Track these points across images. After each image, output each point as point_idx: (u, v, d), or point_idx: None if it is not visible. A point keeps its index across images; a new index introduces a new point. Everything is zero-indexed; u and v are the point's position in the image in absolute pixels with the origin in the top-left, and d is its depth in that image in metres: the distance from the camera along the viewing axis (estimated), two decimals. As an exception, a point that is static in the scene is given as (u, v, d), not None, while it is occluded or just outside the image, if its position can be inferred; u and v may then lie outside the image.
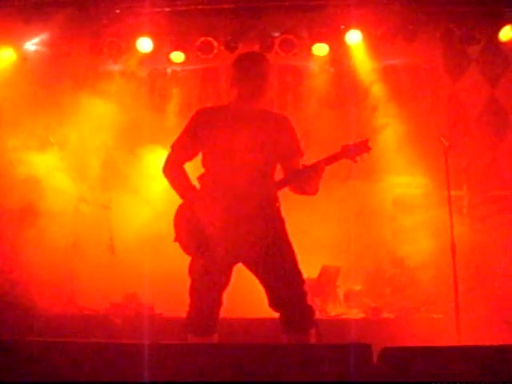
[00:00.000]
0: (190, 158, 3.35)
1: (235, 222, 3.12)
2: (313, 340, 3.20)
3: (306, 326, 3.18)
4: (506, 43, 6.36)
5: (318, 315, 5.23)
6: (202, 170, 3.35)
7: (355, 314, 5.37)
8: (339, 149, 3.12)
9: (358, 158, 3.11)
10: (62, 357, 2.64)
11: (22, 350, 2.67)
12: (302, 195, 3.28)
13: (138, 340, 2.94)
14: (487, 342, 3.79)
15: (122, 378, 2.57)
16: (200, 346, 2.95)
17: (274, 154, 3.25)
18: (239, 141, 3.19)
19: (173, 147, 3.33)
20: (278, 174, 3.39)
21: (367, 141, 3.11)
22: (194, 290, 3.23)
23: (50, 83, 6.51)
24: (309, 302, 3.25)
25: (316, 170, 3.09)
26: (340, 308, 5.52)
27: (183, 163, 3.32)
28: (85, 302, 5.42)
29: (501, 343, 3.52)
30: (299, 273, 3.22)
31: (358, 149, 3.10)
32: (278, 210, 3.30)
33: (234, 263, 3.26)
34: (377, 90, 6.59)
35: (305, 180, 3.13)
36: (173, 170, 3.28)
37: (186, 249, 3.21)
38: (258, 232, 3.15)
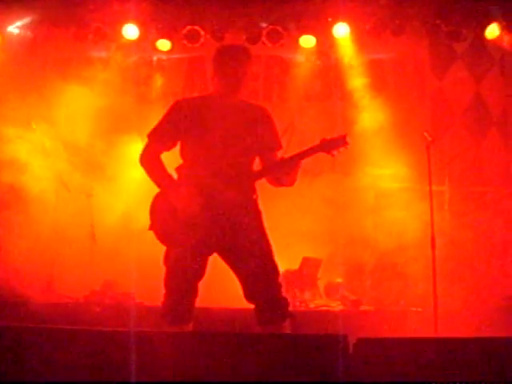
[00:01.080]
0: (167, 149, 3.32)
1: (211, 212, 3.12)
2: (287, 331, 3.21)
3: (279, 318, 3.19)
4: (491, 41, 6.41)
5: (297, 306, 5.31)
6: (180, 161, 3.35)
7: (335, 306, 5.40)
8: (318, 142, 3.13)
9: (335, 152, 3.11)
10: (42, 342, 2.63)
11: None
12: (279, 187, 3.31)
13: (116, 328, 2.91)
14: (464, 335, 3.86)
15: (100, 364, 2.57)
16: (177, 334, 2.95)
17: (252, 146, 3.26)
18: (218, 132, 3.20)
19: (150, 137, 3.29)
20: (257, 166, 3.40)
21: (345, 136, 3.11)
22: (168, 279, 3.22)
23: (34, 68, 6.44)
24: (284, 294, 3.27)
25: (294, 162, 3.13)
26: (320, 300, 5.56)
27: (160, 153, 3.29)
28: (64, 289, 5.39)
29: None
30: (274, 265, 3.23)
31: (336, 143, 3.10)
32: (255, 202, 3.31)
33: (209, 253, 3.25)
34: (362, 84, 6.59)
35: (282, 171, 3.16)
36: (149, 160, 3.26)
37: (160, 237, 3.20)
38: (234, 223, 3.16)
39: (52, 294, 5.29)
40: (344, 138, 3.11)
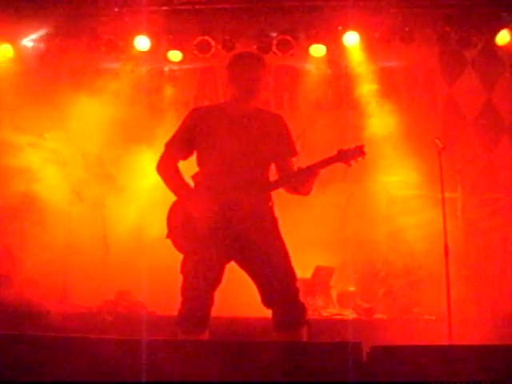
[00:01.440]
0: (184, 157, 3.35)
1: (228, 220, 3.13)
2: (304, 338, 3.20)
3: (297, 323, 3.19)
4: (502, 47, 6.40)
5: (310, 315, 5.29)
6: (196, 169, 3.36)
7: (348, 314, 5.38)
8: (335, 152, 3.15)
9: (352, 162, 3.14)
10: (53, 351, 2.64)
11: (14, 346, 2.67)
12: (295, 195, 3.32)
13: (129, 337, 2.93)
14: (478, 343, 3.83)
15: (113, 373, 2.58)
16: (190, 343, 2.95)
17: (268, 153, 3.28)
18: (234, 140, 3.22)
19: (167, 146, 3.33)
20: (272, 173, 3.42)
21: (363, 146, 3.14)
22: (185, 288, 3.22)
23: (47, 79, 6.51)
24: (301, 300, 3.25)
25: (311, 172, 3.14)
26: (333, 308, 5.53)
27: (177, 162, 3.33)
28: (78, 299, 5.41)
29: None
30: (292, 270, 3.23)
31: (354, 153, 3.13)
32: (271, 210, 3.32)
33: (227, 262, 3.26)
34: (373, 92, 6.59)
35: (299, 182, 3.18)
36: (166, 169, 3.29)
37: (178, 246, 3.21)
38: (251, 231, 3.16)
39: (66, 304, 5.31)
40: (361, 148, 3.14)
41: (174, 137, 3.33)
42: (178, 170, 3.31)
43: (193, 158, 3.40)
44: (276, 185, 3.28)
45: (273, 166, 3.40)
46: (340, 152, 3.14)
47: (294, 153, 3.38)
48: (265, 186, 3.26)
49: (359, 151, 3.13)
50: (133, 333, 4.06)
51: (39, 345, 2.69)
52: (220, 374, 2.55)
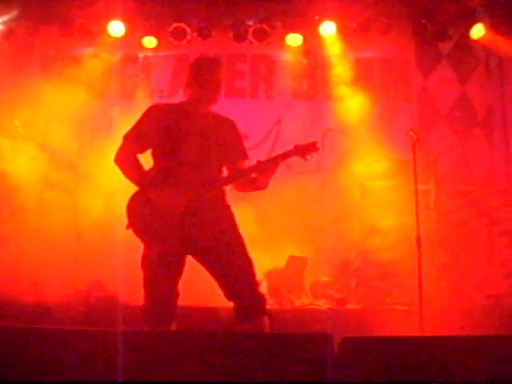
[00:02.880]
0: (141, 151, 3.40)
1: (185, 214, 3.19)
2: (266, 329, 3.27)
3: (259, 314, 3.25)
4: (477, 41, 6.45)
5: (283, 305, 5.31)
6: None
7: (321, 304, 5.41)
8: (292, 147, 3.34)
9: (308, 157, 3.35)
10: (25, 342, 2.60)
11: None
12: (247, 192, 3.50)
13: (100, 327, 2.89)
14: (449, 333, 3.88)
15: (85, 364, 2.55)
16: (160, 333, 2.93)
17: (220, 156, 3.39)
18: (190, 139, 3.31)
19: (125, 138, 3.36)
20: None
21: (315, 142, 3.35)
22: (147, 282, 3.27)
23: (17, 64, 6.35)
24: (261, 291, 3.34)
25: (270, 165, 3.32)
26: (306, 298, 5.56)
27: (135, 154, 3.37)
28: (49, 289, 5.32)
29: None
30: (250, 262, 3.30)
31: (308, 149, 3.34)
32: (226, 204, 3.42)
33: (186, 254, 3.32)
34: (349, 82, 6.59)
35: (259, 173, 3.33)
36: (125, 160, 3.34)
37: (140, 236, 3.24)
38: (207, 225, 3.24)
39: (37, 294, 5.22)
40: (314, 144, 3.35)
41: (132, 130, 3.38)
42: (137, 161, 3.37)
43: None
44: (229, 179, 3.42)
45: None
46: (296, 147, 3.33)
47: (245, 156, 3.52)
48: (219, 180, 3.38)
49: (313, 147, 3.34)
50: (105, 324, 4.01)
51: (10, 336, 2.64)
52: (191, 365, 2.54)
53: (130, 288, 4.98)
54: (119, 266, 4.84)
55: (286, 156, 3.32)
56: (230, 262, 3.24)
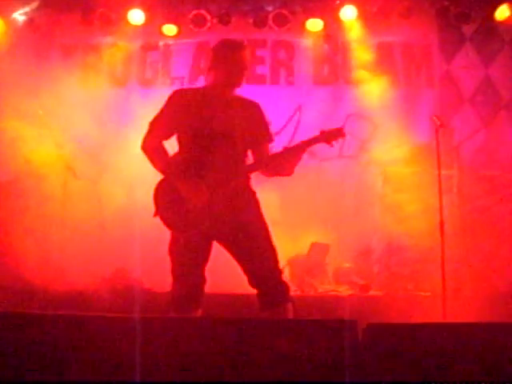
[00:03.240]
0: (166, 137, 3.40)
1: (212, 200, 3.20)
2: (290, 315, 3.28)
3: (282, 302, 3.27)
4: (501, 22, 6.32)
5: (306, 291, 5.33)
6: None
7: (343, 291, 5.42)
8: (318, 133, 3.30)
9: (334, 143, 3.31)
10: (53, 329, 2.65)
11: (11, 323, 2.67)
12: (274, 177, 3.43)
13: (126, 314, 2.94)
14: (472, 320, 3.86)
15: (110, 350, 2.59)
16: (185, 320, 2.96)
17: (245, 139, 3.36)
18: (215, 124, 3.29)
19: (151, 124, 3.36)
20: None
21: (342, 128, 3.31)
22: (175, 268, 3.30)
23: (39, 53, 6.41)
24: (285, 279, 3.35)
25: (297, 151, 3.29)
26: (328, 285, 5.57)
27: (161, 141, 3.37)
28: (74, 277, 5.41)
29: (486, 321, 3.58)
30: (274, 250, 3.31)
31: (335, 134, 3.30)
32: (252, 191, 3.41)
33: (212, 239, 3.34)
34: (370, 67, 6.53)
35: (285, 161, 3.29)
36: (152, 147, 3.33)
37: (166, 223, 3.26)
38: (233, 212, 3.25)
39: (63, 282, 5.30)
40: (341, 130, 3.30)
41: (157, 116, 3.38)
42: (163, 149, 3.36)
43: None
44: (255, 166, 3.38)
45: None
46: (322, 133, 3.29)
47: (270, 139, 3.50)
48: (245, 167, 3.36)
49: (339, 133, 3.30)
50: (130, 310, 4.07)
51: (36, 323, 2.70)
52: (214, 352, 2.57)
53: (154, 274, 5.09)
54: (143, 254, 4.91)
55: (312, 142, 3.28)
56: (254, 248, 3.24)
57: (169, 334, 2.64)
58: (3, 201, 5.66)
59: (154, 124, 3.34)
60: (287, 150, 3.29)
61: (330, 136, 3.27)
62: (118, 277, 5.36)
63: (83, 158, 5.91)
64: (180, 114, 3.30)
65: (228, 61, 3.30)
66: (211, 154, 3.25)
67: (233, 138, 3.30)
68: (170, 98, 3.38)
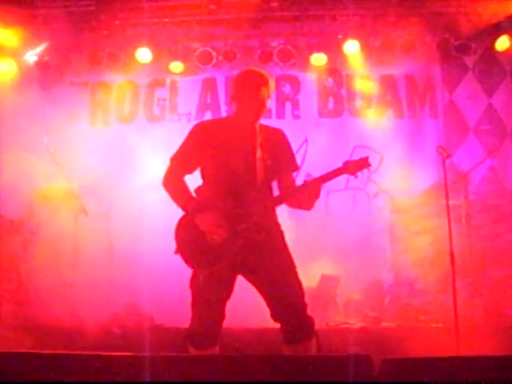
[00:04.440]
0: (190, 171, 3.36)
1: (237, 235, 3.14)
2: (313, 351, 3.21)
3: (305, 337, 3.20)
4: (502, 53, 6.43)
5: (317, 325, 5.29)
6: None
7: (355, 323, 5.37)
8: (341, 164, 3.18)
9: (358, 174, 3.17)
10: (62, 370, 2.65)
11: (19, 363, 2.67)
12: (297, 209, 3.33)
13: (138, 351, 2.93)
14: (485, 351, 3.83)
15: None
16: (201, 358, 2.95)
17: (272, 169, 3.30)
18: (239, 155, 3.23)
19: (172, 160, 3.33)
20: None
21: (368, 158, 3.18)
22: (195, 304, 3.23)
23: (50, 91, 6.54)
24: (309, 313, 3.25)
25: (316, 185, 3.15)
26: (339, 317, 5.53)
27: (183, 176, 3.32)
28: (85, 312, 5.40)
29: (499, 352, 3.56)
30: (299, 284, 3.24)
31: (360, 165, 3.16)
32: (277, 223, 3.34)
33: (236, 275, 3.27)
34: (374, 99, 6.63)
35: (305, 195, 3.18)
36: (173, 183, 3.29)
37: (187, 261, 3.21)
38: (259, 245, 3.17)
39: (74, 318, 5.29)
40: (367, 159, 3.17)
41: (179, 151, 3.34)
42: (185, 185, 3.30)
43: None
44: (281, 199, 3.30)
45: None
46: (346, 163, 3.17)
47: (295, 167, 3.44)
48: (270, 201, 3.27)
49: (365, 162, 3.16)
50: (142, 346, 4.07)
51: (44, 362, 2.69)
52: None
53: (165, 310, 5.09)
54: (153, 289, 4.91)
55: (336, 173, 3.15)
56: (279, 282, 3.15)
57: (185, 374, 2.63)
58: (16, 237, 5.71)
59: (175, 159, 3.31)
60: (312, 182, 3.14)
61: (355, 167, 3.14)
62: (129, 312, 5.34)
63: (92, 194, 5.95)
64: (203, 147, 3.25)
65: (251, 92, 3.21)
66: (237, 186, 3.18)
67: (259, 167, 3.23)
68: (192, 132, 3.34)
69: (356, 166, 3.16)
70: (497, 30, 6.30)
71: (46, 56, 6.42)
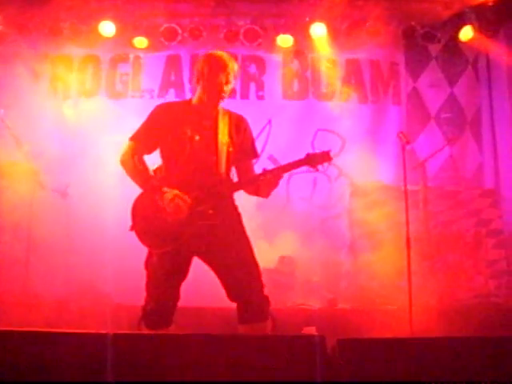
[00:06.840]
0: (149, 152, 3.35)
1: (194, 216, 3.14)
2: (268, 331, 3.26)
3: (261, 317, 3.24)
4: (465, 43, 6.53)
5: (274, 305, 5.34)
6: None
7: (312, 304, 5.45)
8: (303, 156, 3.21)
9: (319, 167, 3.20)
10: (17, 347, 2.60)
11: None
12: (254, 196, 3.37)
13: (96, 329, 2.91)
14: (438, 333, 3.94)
15: (81, 367, 2.56)
16: (158, 336, 2.94)
17: (232, 154, 3.32)
18: (199, 139, 3.24)
19: (132, 139, 3.32)
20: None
21: (329, 151, 3.21)
22: (150, 284, 3.23)
23: (7, 65, 6.32)
24: (265, 294, 3.29)
25: (276, 174, 3.19)
26: (297, 299, 5.59)
27: (142, 155, 3.31)
28: (42, 290, 5.31)
29: (451, 334, 3.67)
30: (256, 265, 3.27)
31: (321, 158, 3.19)
32: (234, 206, 3.37)
33: (192, 256, 3.28)
34: (339, 83, 6.66)
35: (264, 183, 3.20)
36: (132, 161, 3.26)
37: (142, 239, 3.20)
38: (216, 227, 3.19)
39: (29, 296, 5.19)
40: (328, 153, 3.20)
41: (139, 131, 3.33)
42: (144, 163, 3.30)
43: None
44: (239, 186, 3.33)
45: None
46: (308, 156, 3.20)
47: (255, 155, 3.47)
48: (229, 186, 3.28)
49: (326, 156, 3.20)
50: (99, 325, 4.02)
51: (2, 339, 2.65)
52: (184, 367, 2.57)
53: (123, 288, 5.04)
54: (112, 267, 4.86)
55: (296, 165, 3.20)
56: (235, 263, 3.18)
57: (141, 352, 2.62)
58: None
59: (134, 138, 3.30)
60: (271, 171, 3.18)
61: (315, 159, 3.17)
62: (86, 290, 5.27)
63: (50, 170, 5.81)
64: (163, 128, 3.25)
65: (215, 75, 3.22)
66: (194, 170, 3.20)
67: (217, 153, 3.24)
68: (153, 113, 3.33)
69: (317, 159, 3.19)
70: (461, 20, 6.40)
71: (2, 26, 6.19)
